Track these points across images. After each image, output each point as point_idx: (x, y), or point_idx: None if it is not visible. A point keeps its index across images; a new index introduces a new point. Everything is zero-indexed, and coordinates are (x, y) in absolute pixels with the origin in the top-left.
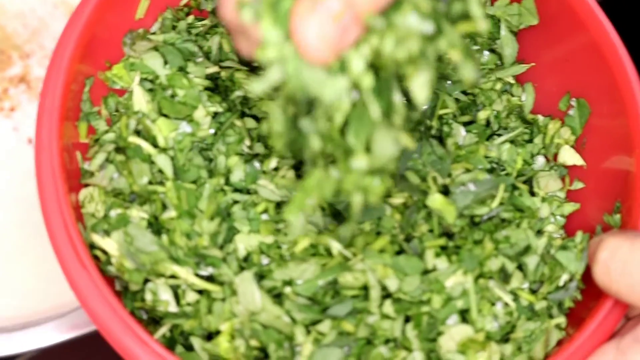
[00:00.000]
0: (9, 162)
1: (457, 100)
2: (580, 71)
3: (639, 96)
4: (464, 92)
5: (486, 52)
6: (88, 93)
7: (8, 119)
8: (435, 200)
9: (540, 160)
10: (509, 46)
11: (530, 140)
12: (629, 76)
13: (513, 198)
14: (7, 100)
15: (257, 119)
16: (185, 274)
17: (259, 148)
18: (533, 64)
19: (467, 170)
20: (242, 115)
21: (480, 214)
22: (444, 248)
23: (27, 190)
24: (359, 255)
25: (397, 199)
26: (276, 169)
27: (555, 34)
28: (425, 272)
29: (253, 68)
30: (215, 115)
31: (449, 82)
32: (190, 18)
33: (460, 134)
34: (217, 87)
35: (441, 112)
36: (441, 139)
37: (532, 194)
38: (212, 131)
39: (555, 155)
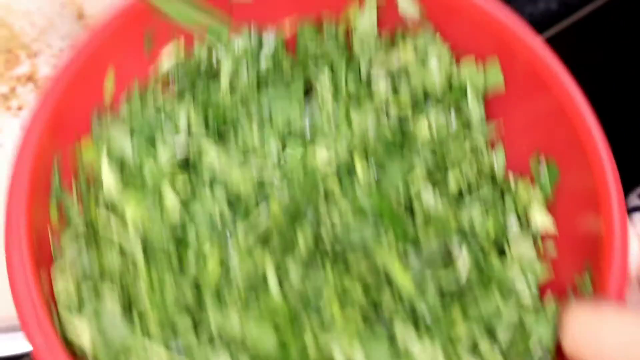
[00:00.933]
0: None
1: (427, 166)
2: (548, 131)
3: (604, 155)
4: (433, 153)
5: (454, 115)
6: (58, 171)
7: (16, 117)
8: (394, 269)
9: (512, 222)
10: (476, 108)
11: (501, 202)
12: (592, 135)
13: (482, 263)
14: (15, 99)
15: (226, 189)
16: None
17: (229, 218)
18: (502, 124)
19: (437, 237)
20: (211, 186)
21: (447, 280)
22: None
23: None
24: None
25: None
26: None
27: (522, 95)
28: (393, 339)
29: (221, 137)
30: (184, 189)
31: (420, 149)
32: (158, 90)
33: (429, 198)
34: (186, 160)
35: (412, 182)
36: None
37: (503, 255)
38: (179, 206)
39: (527, 216)
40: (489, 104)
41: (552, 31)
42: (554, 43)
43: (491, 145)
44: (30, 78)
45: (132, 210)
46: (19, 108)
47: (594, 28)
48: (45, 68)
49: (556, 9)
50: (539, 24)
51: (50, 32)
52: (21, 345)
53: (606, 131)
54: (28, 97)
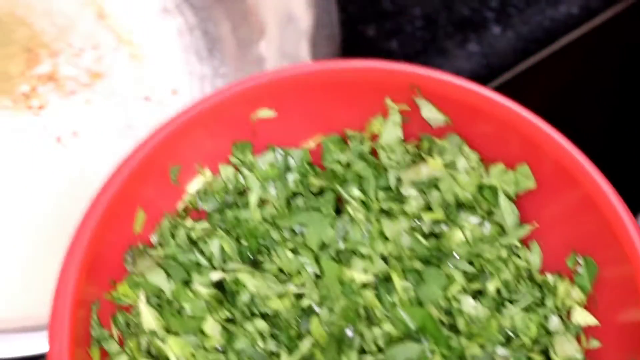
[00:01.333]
0: (38, 160)
1: (464, 273)
2: (582, 227)
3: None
4: (470, 263)
5: (487, 224)
6: (96, 316)
7: (37, 117)
8: None
9: (554, 321)
10: (509, 214)
11: (541, 302)
12: (626, 227)
13: None
14: (36, 99)
15: (266, 317)
16: None
17: (272, 346)
18: (536, 224)
19: (482, 347)
20: (251, 315)
21: None
22: None
23: (53, 189)
24: None
25: None
26: None
27: (553, 193)
28: None
29: (257, 265)
30: (224, 322)
31: (456, 257)
32: (189, 222)
33: (471, 309)
34: (223, 291)
35: (451, 291)
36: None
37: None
38: (222, 341)
39: (569, 314)
40: (520, 202)
41: (573, 35)
42: (575, 47)
43: (525, 244)
44: (51, 77)
45: (175, 352)
46: (40, 107)
47: (616, 32)
48: (67, 67)
49: (577, 13)
50: (560, 28)
51: (71, 32)
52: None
53: (624, 139)
54: (49, 96)
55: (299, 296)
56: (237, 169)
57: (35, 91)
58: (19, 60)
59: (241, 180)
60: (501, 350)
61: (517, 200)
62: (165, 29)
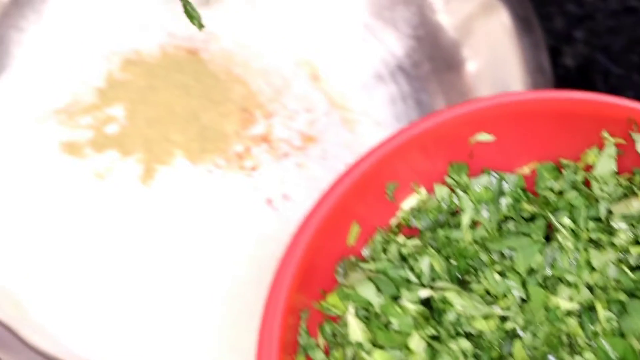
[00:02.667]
0: (246, 221)
1: None
2: None
3: None
4: None
5: None
6: (305, 325)
7: (249, 177)
8: None
9: None
10: None
11: None
12: None
13: None
14: (249, 159)
15: (470, 336)
16: None
17: None
18: None
19: None
20: (456, 334)
21: None
22: None
23: (261, 251)
24: None
25: None
26: None
27: None
28: None
29: (464, 285)
30: (429, 339)
31: None
32: (401, 238)
33: None
34: (430, 308)
35: None
36: None
37: None
38: (426, 358)
39: None
40: None
41: None
42: None
43: None
44: (265, 139)
45: None
46: (253, 169)
47: None
48: (280, 129)
49: None
50: None
51: (286, 93)
52: None
53: None
54: (262, 157)
55: (503, 318)
56: (451, 189)
57: (249, 152)
58: (235, 119)
59: (455, 200)
60: None
61: None
62: (378, 96)
